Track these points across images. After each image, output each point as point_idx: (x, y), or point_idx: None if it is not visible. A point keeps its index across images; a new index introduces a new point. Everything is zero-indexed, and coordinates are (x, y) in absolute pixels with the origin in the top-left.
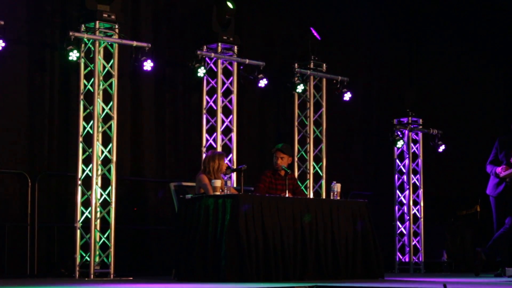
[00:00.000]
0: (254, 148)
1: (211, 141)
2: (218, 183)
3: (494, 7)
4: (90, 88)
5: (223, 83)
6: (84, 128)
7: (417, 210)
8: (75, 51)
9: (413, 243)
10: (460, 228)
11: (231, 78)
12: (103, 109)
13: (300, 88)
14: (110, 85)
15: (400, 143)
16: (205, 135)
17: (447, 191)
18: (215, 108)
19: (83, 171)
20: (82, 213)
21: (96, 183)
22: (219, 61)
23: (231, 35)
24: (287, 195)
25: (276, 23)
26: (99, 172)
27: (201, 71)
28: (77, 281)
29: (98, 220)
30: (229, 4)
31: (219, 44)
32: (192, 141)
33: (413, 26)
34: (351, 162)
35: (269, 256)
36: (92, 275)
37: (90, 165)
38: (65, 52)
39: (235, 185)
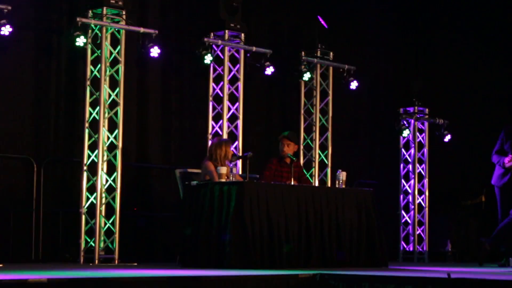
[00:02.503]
0: (260, 135)
1: (217, 128)
2: (223, 170)
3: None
4: (97, 74)
5: (230, 71)
6: (90, 114)
7: (422, 199)
8: (82, 37)
9: (418, 233)
10: (464, 218)
11: (238, 65)
12: (110, 95)
13: (306, 76)
14: (117, 72)
15: (406, 132)
16: (211, 122)
17: (452, 181)
18: (221, 95)
19: (89, 157)
20: (88, 198)
21: (102, 169)
22: (226, 49)
23: (239, 23)
24: (292, 183)
25: (283, 11)
26: (105, 158)
27: (208, 58)
28: (81, 266)
29: (104, 206)
30: None
31: (226, 31)
32: (198, 128)
33: (420, 16)
34: (356, 151)
35: (273, 243)
36: (96, 261)
37: (96, 151)
38: (72, 37)
39: (240, 173)
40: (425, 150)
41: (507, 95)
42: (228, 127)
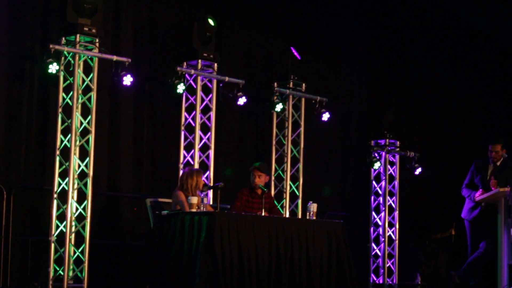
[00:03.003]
0: (231, 166)
1: (188, 157)
2: (194, 200)
3: (473, 31)
4: (69, 102)
5: (202, 100)
6: (62, 141)
7: (392, 232)
8: (54, 64)
9: (388, 265)
10: (434, 251)
11: (210, 95)
12: (81, 123)
13: (279, 107)
14: (89, 99)
15: (377, 165)
16: (182, 152)
17: (422, 213)
18: (193, 124)
19: (59, 184)
20: (57, 227)
21: (72, 197)
22: (199, 78)
23: (212, 52)
24: (263, 214)
25: (256, 42)
26: (75, 186)
27: (181, 88)
28: None
29: (73, 234)
30: (210, 21)
31: (199, 61)
32: (169, 157)
33: (392, 48)
34: (328, 183)
35: (243, 274)
36: None
37: (67, 179)
38: (44, 64)
39: (211, 203)
40: (396, 182)
41: (478, 129)
42: (200, 156)
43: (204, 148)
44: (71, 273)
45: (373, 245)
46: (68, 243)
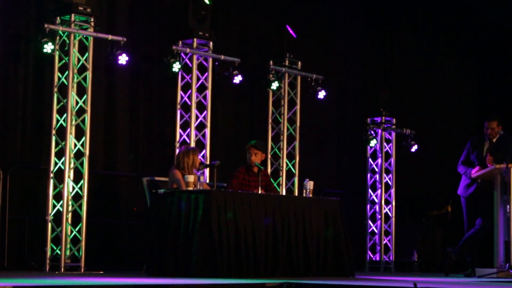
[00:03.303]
0: (227, 144)
1: (184, 136)
2: (191, 178)
3: (468, 9)
4: (64, 81)
5: (198, 79)
6: (58, 121)
7: (389, 209)
8: (49, 44)
9: (384, 242)
10: (431, 228)
11: (206, 74)
12: (77, 103)
13: (274, 85)
14: (85, 79)
15: (373, 142)
16: (179, 131)
17: (418, 191)
18: (189, 103)
19: (56, 164)
20: (54, 206)
21: (69, 177)
22: (194, 57)
23: (207, 31)
24: (259, 192)
25: (252, 20)
26: (72, 165)
27: (176, 66)
28: (47, 274)
29: (70, 214)
30: (205, 0)
31: (195, 39)
32: (165, 136)
33: (387, 26)
34: (324, 160)
35: (240, 252)
36: (62, 269)
37: (63, 158)
38: (39, 44)
39: (208, 181)
40: (392, 160)
41: (473, 106)
42: (196, 135)
43: (200, 127)
44: (68, 252)
45: (370, 222)
46: (65, 223)
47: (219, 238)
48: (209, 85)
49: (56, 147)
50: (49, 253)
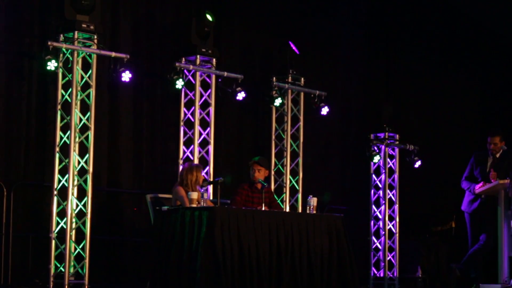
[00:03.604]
0: (231, 160)
1: (188, 153)
2: (194, 195)
3: (471, 24)
4: (68, 98)
5: (201, 96)
6: (61, 138)
7: (393, 225)
8: (53, 61)
9: (388, 258)
10: (435, 244)
11: (209, 90)
12: (81, 120)
13: (278, 101)
14: (88, 96)
15: (376, 158)
16: (182, 147)
17: (422, 206)
18: (192, 120)
19: (59, 181)
20: (58, 223)
21: (72, 194)
22: (198, 73)
23: (210, 48)
24: (263, 208)
25: (255, 37)
26: (75, 182)
27: (179, 83)
28: None
29: (74, 231)
30: (208, 17)
31: (198, 56)
32: (169, 153)
33: (390, 42)
34: (327, 177)
35: (244, 269)
36: (66, 286)
37: (67, 176)
38: (43, 61)
39: (211, 198)
40: (396, 176)
41: (477, 121)
42: (199, 152)
43: (204, 143)
44: (72, 270)
45: (374, 238)
46: (69, 240)
47: (223, 255)
48: (212, 101)
49: (59, 164)
50: (53, 270)
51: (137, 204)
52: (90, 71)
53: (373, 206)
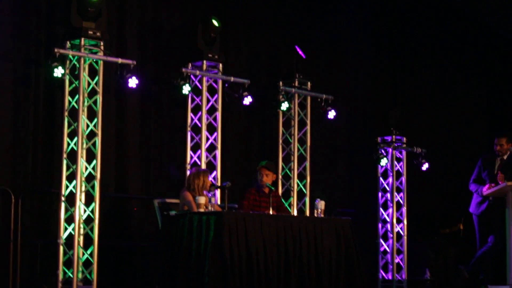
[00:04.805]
0: (238, 165)
1: (195, 158)
2: (202, 200)
3: (478, 27)
4: (75, 105)
5: (208, 101)
6: (68, 144)
7: (401, 228)
8: (60, 68)
9: (396, 261)
10: (443, 246)
11: (216, 95)
12: (88, 126)
13: (284, 106)
14: (95, 102)
15: (384, 161)
16: (189, 152)
17: (430, 209)
18: (199, 125)
19: (67, 187)
20: (66, 229)
21: (80, 200)
22: (204, 79)
23: (216, 53)
24: (271, 213)
25: (261, 41)
26: (83, 188)
27: (186, 89)
28: None
29: (82, 237)
30: (215, 22)
31: (204, 61)
32: (176, 158)
33: (397, 45)
34: (335, 180)
35: (252, 273)
36: None
37: (74, 182)
38: (50, 68)
39: (219, 202)
40: (403, 178)
41: (484, 124)
42: (207, 157)
43: (211, 148)
44: (80, 276)
45: (382, 241)
46: (77, 246)
47: (230, 259)
48: (219, 106)
49: (67, 170)
50: (61, 276)
51: (145, 209)
52: (97, 78)
53: (381, 209)
